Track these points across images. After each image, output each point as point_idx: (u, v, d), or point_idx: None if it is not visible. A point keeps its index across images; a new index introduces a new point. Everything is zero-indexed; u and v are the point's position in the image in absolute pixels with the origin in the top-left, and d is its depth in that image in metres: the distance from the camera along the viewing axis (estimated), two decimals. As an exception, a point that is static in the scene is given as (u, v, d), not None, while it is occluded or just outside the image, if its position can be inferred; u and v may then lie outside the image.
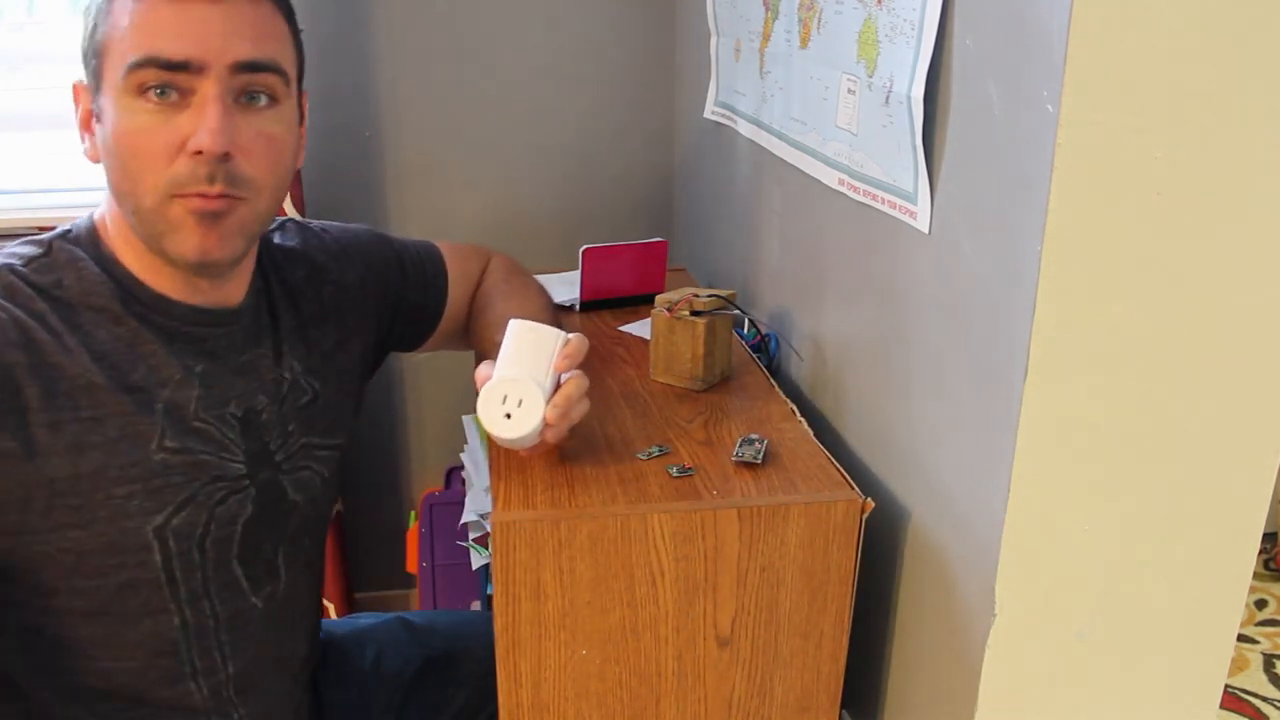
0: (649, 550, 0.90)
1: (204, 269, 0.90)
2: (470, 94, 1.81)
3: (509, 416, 0.90)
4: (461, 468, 1.62)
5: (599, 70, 1.83)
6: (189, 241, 0.86)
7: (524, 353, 0.93)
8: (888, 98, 0.91)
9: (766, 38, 1.25)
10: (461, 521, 1.31)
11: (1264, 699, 1.87)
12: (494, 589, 0.91)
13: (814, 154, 1.11)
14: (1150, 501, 0.80)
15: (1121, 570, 0.82)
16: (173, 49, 0.82)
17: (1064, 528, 0.79)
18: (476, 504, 1.24)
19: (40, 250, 0.90)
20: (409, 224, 1.85)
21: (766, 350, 1.27)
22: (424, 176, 1.83)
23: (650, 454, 0.99)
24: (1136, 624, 0.84)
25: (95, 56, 0.85)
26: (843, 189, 1.04)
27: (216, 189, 0.85)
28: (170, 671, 0.95)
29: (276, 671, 1.05)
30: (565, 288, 1.44)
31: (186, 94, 0.83)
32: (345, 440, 1.09)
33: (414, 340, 1.22)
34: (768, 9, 1.24)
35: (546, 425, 0.92)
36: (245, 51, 0.84)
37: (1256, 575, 2.20)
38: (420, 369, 1.94)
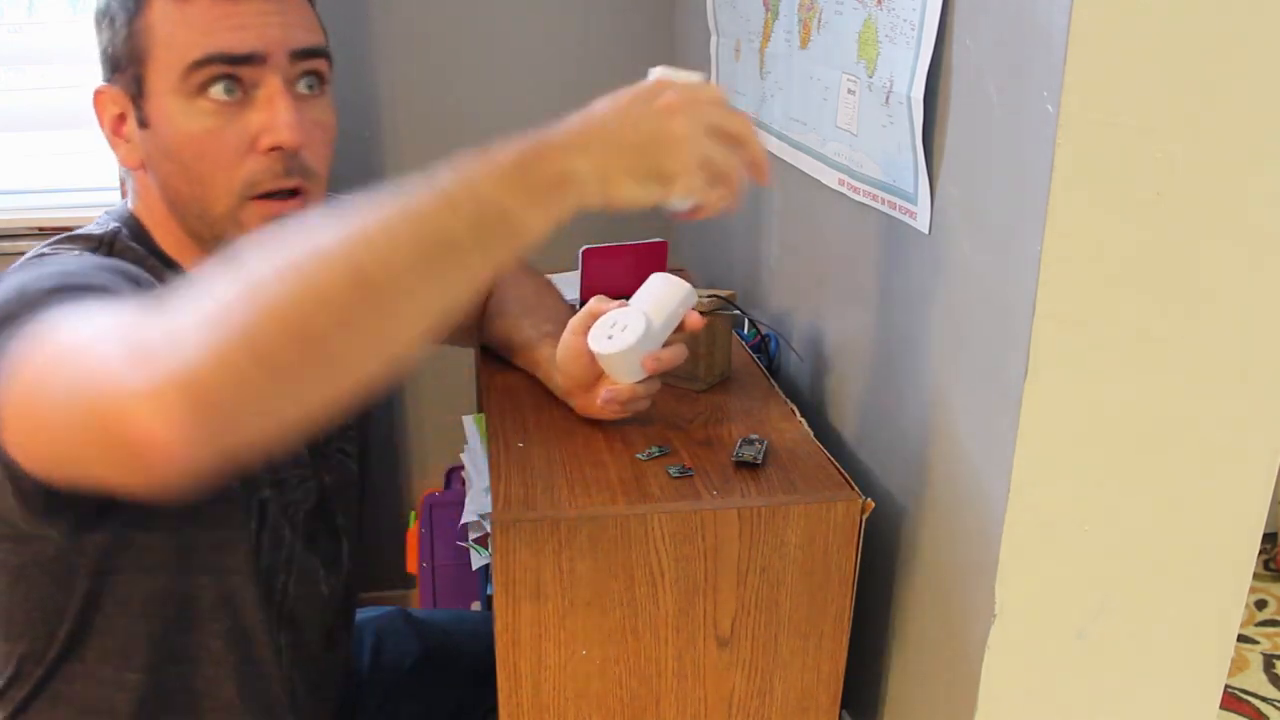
0: (649, 550, 0.90)
1: None
2: (470, 94, 1.80)
3: (610, 338, 0.95)
4: (461, 468, 1.62)
5: (599, 70, 1.83)
6: None
7: (652, 295, 0.98)
8: (888, 98, 0.91)
9: (766, 38, 1.25)
10: (461, 522, 1.31)
11: (1264, 699, 1.87)
12: (494, 589, 0.91)
13: (814, 154, 1.11)
14: (1150, 501, 0.80)
15: (1121, 570, 0.82)
16: (235, 43, 0.81)
17: (1064, 527, 0.79)
18: (476, 504, 1.24)
19: (97, 244, 0.88)
20: (409, 224, 1.85)
21: (766, 350, 1.27)
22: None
23: (650, 454, 0.99)
24: (1136, 624, 0.84)
25: (133, 62, 0.83)
26: (843, 189, 1.04)
27: (293, 182, 0.85)
28: (256, 638, 0.96)
29: (323, 654, 1.07)
30: (565, 288, 1.44)
31: (249, 89, 0.83)
32: (367, 418, 1.11)
33: None
34: (768, 9, 1.24)
35: (643, 369, 0.95)
36: (302, 39, 0.84)
37: (1256, 575, 2.19)
38: (420, 369, 1.94)
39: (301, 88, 0.86)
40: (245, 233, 0.85)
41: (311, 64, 0.86)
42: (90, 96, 0.87)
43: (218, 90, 0.82)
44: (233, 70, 0.82)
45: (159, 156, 0.86)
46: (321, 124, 0.88)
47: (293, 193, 0.86)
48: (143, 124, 0.85)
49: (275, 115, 0.82)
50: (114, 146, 0.88)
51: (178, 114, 0.83)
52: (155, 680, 0.93)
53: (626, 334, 0.95)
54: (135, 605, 0.90)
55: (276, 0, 0.83)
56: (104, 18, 0.86)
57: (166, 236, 0.90)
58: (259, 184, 0.84)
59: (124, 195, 1.55)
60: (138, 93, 0.84)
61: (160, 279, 0.87)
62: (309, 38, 0.85)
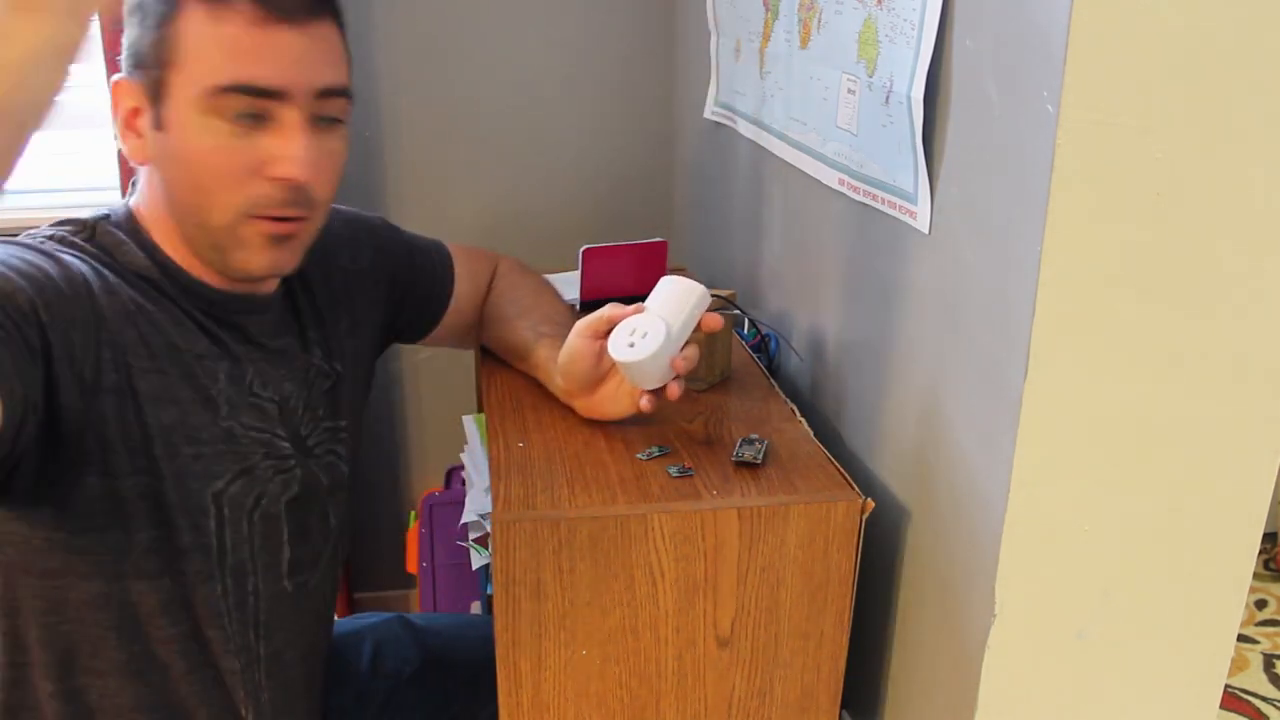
0: (649, 550, 0.90)
1: (264, 280, 0.93)
2: (470, 94, 1.81)
3: (631, 345, 0.95)
4: (461, 468, 1.62)
5: (599, 70, 1.83)
6: (257, 258, 0.88)
7: (668, 299, 0.99)
8: (888, 98, 0.91)
9: (766, 38, 1.25)
10: (461, 521, 1.31)
11: (1264, 699, 1.87)
12: (494, 589, 0.91)
13: (814, 154, 1.11)
14: (1150, 501, 0.80)
15: (1121, 570, 0.82)
16: (262, 76, 0.82)
17: (1064, 527, 0.79)
18: (476, 504, 1.24)
19: (80, 227, 0.89)
20: (408, 224, 1.82)
21: (766, 350, 1.27)
22: (424, 176, 1.83)
23: (650, 454, 0.99)
24: (1136, 624, 0.84)
25: (157, 65, 0.83)
26: (843, 189, 1.04)
27: (295, 212, 0.87)
28: (217, 643, 0.95)
29: (301, 659, 1.05)
30: (565, 288, 1.44)
31: (267, 115, 0.83)
32: (359, 422, 1.11)
33: (417, 332, 1.23)
34: (768, 9, 1.24)
35: (672, 370, 0.96)
36: (327, 78, 0.85)
37: (1256, 575, 2.20)
38: (420, 369, 1.94)
39: (319, 120, 0.87)
40: (243, 246, 0.87)
41: (332, 102, 0.87)
42: (109, 86, 0.87)
43: (235, 113, 0.83)
44: (256, 102, 0.83)
45: (168, 160, 0.86)
46: (333, 154, 0.89)
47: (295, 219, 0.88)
48: (158, 126, 0.85)
49: (289, 148, 0.83)
50: (123, 139, 0.89)
51: (193, 127, 0.83)
52: (100, 691, 0.91)
53: (648, 341, 0.95)
54: (71, 612, 0.88)
55: (308, 34, 0.84)
56: (135, 11, 0.85)
57: (161, 233, 0.90)
58: (261, 207, 0.85)
59: (125, 194, 1.55)
60: (157, 95, 0.84)
61: (130, 259, 0.88)
62: (333, 76, 0.86)
